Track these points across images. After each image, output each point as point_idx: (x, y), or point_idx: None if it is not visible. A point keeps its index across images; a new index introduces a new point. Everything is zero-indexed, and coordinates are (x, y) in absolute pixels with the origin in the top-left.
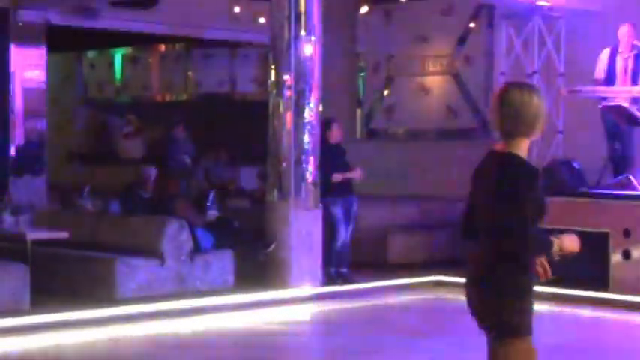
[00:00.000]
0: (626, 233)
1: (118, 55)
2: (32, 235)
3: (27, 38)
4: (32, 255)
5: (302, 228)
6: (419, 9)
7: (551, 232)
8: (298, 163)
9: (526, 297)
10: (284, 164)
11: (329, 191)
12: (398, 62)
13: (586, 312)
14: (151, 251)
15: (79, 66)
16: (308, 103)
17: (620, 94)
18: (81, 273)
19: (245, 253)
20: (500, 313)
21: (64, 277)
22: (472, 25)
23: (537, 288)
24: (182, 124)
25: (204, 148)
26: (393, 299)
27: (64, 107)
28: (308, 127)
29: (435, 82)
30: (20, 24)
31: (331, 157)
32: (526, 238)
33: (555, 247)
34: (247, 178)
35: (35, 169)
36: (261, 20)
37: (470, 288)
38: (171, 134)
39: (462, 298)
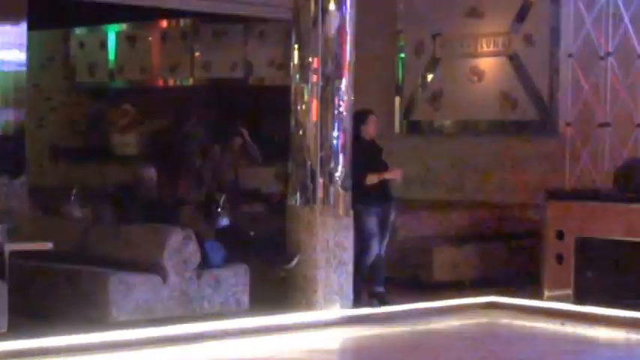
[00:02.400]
0: None
1: (112, 33)
2: (10, 246)
3: (3, 12)
4: (10, 270)
5: (330, 239)
6: None
7: None
8: (326, 161)
9: None
10: (309, 163)
11: (362, 196)
12: (445, 42)
13: None
14: (151, 266)
15: (65, 45)
16: (337, 91)
17: None
18: (68, 291)
19: (262, 269)
20: None
21: (48, 295)
22: None
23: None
24: (195, 117)
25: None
26: (437, 324)
27: (48, 94)
28: (337, 119)
29: (490, 65)
30: None
31: (365, 155)
32: None
33: None
34: (265, 179)
35: (12, 168)
36: None
37: None
38: (184, 129)
39: (519, 322)
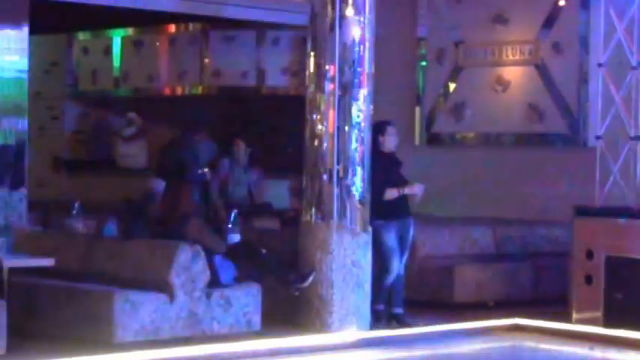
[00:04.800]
0: None
1: (117, 38)
2: (9, 262)
3: (3, 16)
4: (9, 287)
5: (347, 257)
6: None
7: None
8: (343, 175)
9: None
10: (324, 177)
11: (381, 211)
12: (468, 50)
13: None
14: (158, 284)
15: (68, 51)
16: (355, 101)
17: None
18: (70, 310)
19: (275, 288)
20: None
21: (49, 315)
22: (562, 3)
23: None
24: (205, 130)
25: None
26: (459, 347)
27: (50, 102)
28: (355, 130)
29: (515, 74)
30: None
31: (384, 168)
32: None
33: None
34: (278, 192)
35: (12, 180)
36: None
37: None
38: (191, 140)
39: (545, 346)
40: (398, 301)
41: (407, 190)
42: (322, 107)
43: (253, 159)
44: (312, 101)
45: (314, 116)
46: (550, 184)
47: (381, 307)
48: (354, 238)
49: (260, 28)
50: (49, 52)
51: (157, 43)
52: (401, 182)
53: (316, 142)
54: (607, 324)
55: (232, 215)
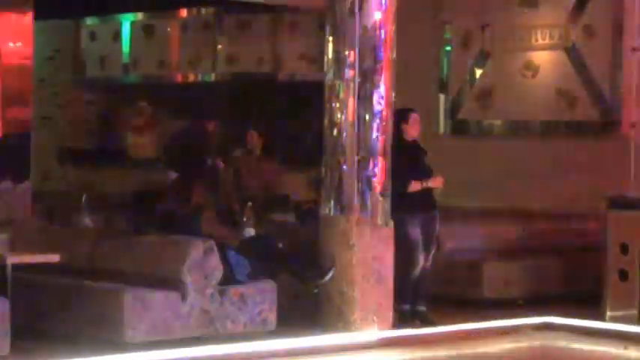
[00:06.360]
0: None
1: (126, 23)
2: (13, 258)
3: (7, 1)
4: (13, 285)
5: (368, 252)
6: None
7: None
8: (363, 166)
9: None
10: (344, 167)
11: (404, 204)
12: (495, 33)
13: None
14: (169, 281)
15: (74, 37)
16: (377, 88)
17: None
18: (76, 309)
19: (292, 285)
20: None
21: (54, 314)
22: None
23: None
24: (217, 119)
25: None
26: (486, 347)
27: (55, 90)
28: (377, 118)
29: (545, 59)
30: None
31: (407, 158)
32: None
33: None
34: (295, 185)
35: (16, 172)
36: None
37: None
38: (203, 129)
39: (577, 346)
40: (422, 299)
41: (430, 183)
42: (342, 95)
43: (268, 149)
44: (331, 88)
45: (333, 104)
46: (582, 175)
47: (406, 306)
48: (376, 232)
49: (276, 12)
50: (55, 38)
51: (168, 29)
52: (426, 173)
53: (335, 132)
54: None
55: (247, 208)
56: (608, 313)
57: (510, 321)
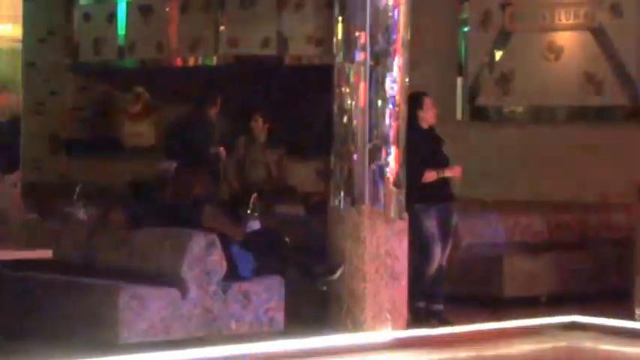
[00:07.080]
0: None
1: (122, 3)
2: (2, 254)
3: None
4: (1, 282)
5: (380, 246)
6: None
7: None
8: (375, 155)
9: None
10: (355, 156)
11: (419, 194)
12: (516, 12)
13: None
14: (168, 278)
15: (67, 18)
16: (389, 71)
17: None
18: (69, 307)
19: (300, 282)
20: None
21: (46, 312)
22: None
23: None
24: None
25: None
26: (508, 348)
27: (47, 75)
28: (389, 104)
29: (569, 40)
30: None
31: (422, 146)
32: None
33: None
34: (303, 175)
35: (5, 162)
36: None
37: None
38: (205, 116)
39: (605, 346)
40: (438, 297)
41: (447, 173)
42: (352, 79)
43: (274, 137)
44: (340, 72)
45: (343, 89)
46: (610, 163)
47: (421, 304)
48: (389, 225)
49: None
50: (46, 18)
51: (167, 9)
52: (443, 162)
53: (345, 118)
54: None
55: (251, 200)
56: (638, 312)
57: (533, 320)
